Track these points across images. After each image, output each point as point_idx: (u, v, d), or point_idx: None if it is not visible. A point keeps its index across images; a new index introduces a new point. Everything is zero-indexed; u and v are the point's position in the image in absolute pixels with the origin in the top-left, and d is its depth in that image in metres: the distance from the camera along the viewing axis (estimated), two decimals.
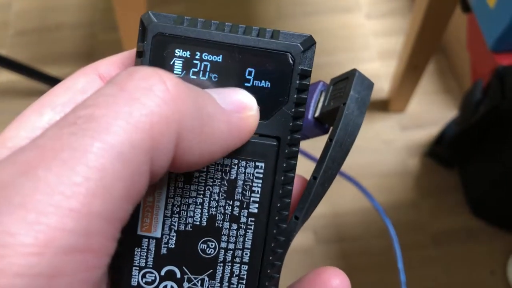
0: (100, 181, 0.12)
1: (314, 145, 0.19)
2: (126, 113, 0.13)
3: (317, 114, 0.21)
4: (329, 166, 0.18)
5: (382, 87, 0.94)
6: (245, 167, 0.18)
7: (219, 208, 0.18)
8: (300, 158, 0.19)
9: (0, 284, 0.11)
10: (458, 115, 0.80)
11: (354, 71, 0.20)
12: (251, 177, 0.18)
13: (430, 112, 0.92)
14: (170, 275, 0.18)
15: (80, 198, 0.12)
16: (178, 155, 0.14)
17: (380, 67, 0.97)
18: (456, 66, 0.94)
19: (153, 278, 0.18)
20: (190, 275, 0.18)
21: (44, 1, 1.07)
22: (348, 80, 0.20)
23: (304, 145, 0.20)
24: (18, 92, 0.94)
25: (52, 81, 0.86)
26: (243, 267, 0.18)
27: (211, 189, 0.18)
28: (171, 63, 0.17)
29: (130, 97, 0.13)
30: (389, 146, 0.89)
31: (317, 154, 0.20)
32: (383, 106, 0.92)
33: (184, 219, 0.18)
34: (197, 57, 0.17)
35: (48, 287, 0.11)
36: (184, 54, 0.17)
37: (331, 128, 0.19)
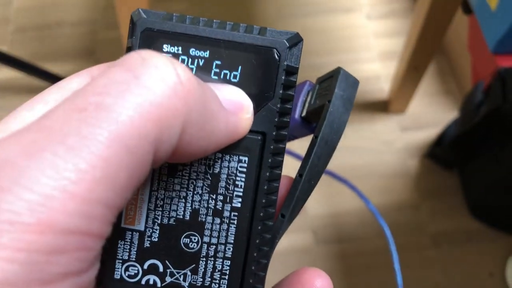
0: (105, 170, 0.12)
1: (303, 145, 0.19)
2: (137, 104, 0.13)
3: (304, 114, 0.21)
4: (315, 163, 0.18)
5: (383, 88, 0.94)
6: (229, 161, 0.18)
7: (202, 202, 0.18)
8: (290, 159, 0.19)
9: (1, 256, 0.11)
10: (458, 117, 0.80)
11: (338, 69, 0.20)
12: (234, 171, 0.18)
13: (430, 113, 0.92)
14: (153, 269, 0.18)
15: (85, 184, 0.12)
16: (177, 147, 0.14)
17: (380, 67, 0.97)
18: (457, 68, 0.94)
19: (136, 271, 0.18)
20: (172, 269, 0.18)
21: None
22: (333, 79, 0.20)
23: (293, 145, 0.20)
24: (19, 89, 0.94)
25: (53, 78, 0.86)
26: (226, 262, 0.18)
27: (194, 183, 0.18)
28: None
29: (142, 86, 0.13)
30: (389, 147, 0.89)
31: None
32: (384, 106, 0.92)
33: (168, 212, 0.18)
34: (184, 52, 0.17)
35: (46, 263, 0.12)
36: (172, 49, 0.17)
37: None
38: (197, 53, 0.17)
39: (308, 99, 0.21)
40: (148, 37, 0.17)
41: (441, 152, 0.83)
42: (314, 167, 0.18)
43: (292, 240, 0.79)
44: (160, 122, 0.13)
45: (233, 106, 0.16)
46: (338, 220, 0.81)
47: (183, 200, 0.18)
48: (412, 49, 0.77)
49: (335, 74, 0.20)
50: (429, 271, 0.77)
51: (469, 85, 0.84)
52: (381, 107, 0.92)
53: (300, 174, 0.18)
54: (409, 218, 0.82)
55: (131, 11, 0.19)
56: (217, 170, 0.18)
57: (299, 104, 0.21)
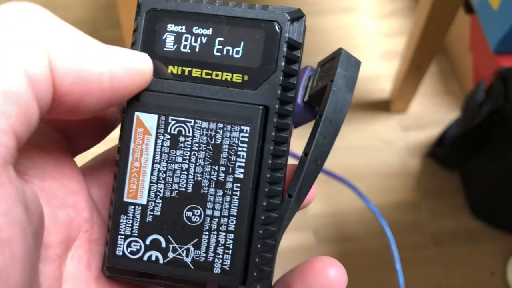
0: None
1: (303, 144, 0.19)
2: None
3: (306, 98, 0.21)
4: (320, 143, 0.18)
5: (384, 87, 0.94)
6: (230, 131, 0.18)
7: (204, 173, 0.18)
8: (290, 160, 0.19)
9: None
10: (460, 116, 0.80)
11: (340, 50, 0.20)
12: (236, 141, 0.18)
13: (431, 113, 0.92)
14: (155, 244, 0.18)
15: None
16: (56, 80, 0.15)
17: (382, 67, 0.97)
18: (459, 67, 0.94)
19: (138, 247, 0.18)
20: (175, 245, 0.18)
21: None
22: (334, 60, 0.20)
23: (293, 147, 0.19)
24: None
25: None
26: (229, 235, 0.18)
27: (196, 154, 0.18)
28: (164, 37, 0.18)
29: None
30: (390, 146, 0.88)
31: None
32: (385, 106, 0.92)
33: (170, 185, 0.18)
34: (188, 30, 0.18)
35: None
36: (176, 28, 0.18)
37: None
38: (200, 31, 0.18)
39: (310, 83, 0.21)
40: (153, 17, 0.18)
41: (442, 152, 0.83)
42: (320, 146, 0.18)
43: (292, 239, 0.79)
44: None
45: (115, 49, 0.16)
46: (339, 219, 0.81)
47: (185, 172, 0.18)
48: (413, 49, 0.77)
49: (337, 55, 0.20)
50: (429, 270, 0.77)
51: (470, 85, 0.84)
52: (382, 106, 0.92)
53: (305, 153, 0.18)
54: (410, 217, 0.82)
55: (132, 10, 0.19)
56: (218, 141, 0.18)
57: (301, 89, 0.20)
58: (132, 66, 0.17)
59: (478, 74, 0.73)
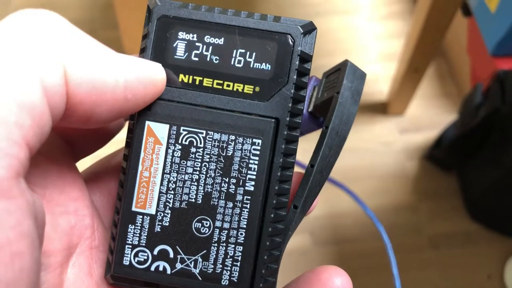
0: None
1: (307, 148, 0.19)
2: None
3: (310, 109, 0.21)
4: (326, 154, 0.18)
5: (382, 89, 0.94)
6: (242, 144, 0.18)
7: (215, 185, 0.18)
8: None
9: None
10: (457, 119, 0.80)
11: (346, 62, 0.20)
12: (248, 154, 0.18)
13: (429, 115, 0.92)
14: (163, 255, 0.18)
15: None
16: (70, 91, 0.14)
17: (380, 69, 0.97)
18: (456, 70, 0.94)
19: (146, 257, 0.18)
20: (183, 255, 0.18)
21: None
22: (340, 71, 0.20)
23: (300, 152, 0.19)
24: None
25: None
26: (238, 248, 0.18)
27: (207, 166, 0.18)
28: (174, 45, 0.18)
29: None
30: (387, 148, 0.88)
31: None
32: (383, 108, 0.92)
33: (180, 196, 0.18)
34: (199, 39, 0.18)
35: None
36: (187, 36, 0.18)
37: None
38: (212, 40, 0.18)
39: (315, 94, 0.21)
40: (164, 24, 0.18)
41: (440, 154, 0.83)
42: (326, 157, 0.18)
43: (289, 241, 0.79)
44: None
45: (129, 58, 0.16)
46: (336, 222, 0.81)
47: (196, 183, 0.18)
48: (411, 51, 0.77)
49: (343, 67, 0.20)
50: (427, 273, 0.77)
51: (468, 87, 0.84)
52: (380, 109, 0.92)
53: (311, 164, 0.18)
54: (408, 219, 0.82)
55: (130, 11, 0.19)
56: (230, 153, 0.18)
57: (306, 99, 0.20)
58: (145, 76, 0.16)
59: (476, 77, 0.74)
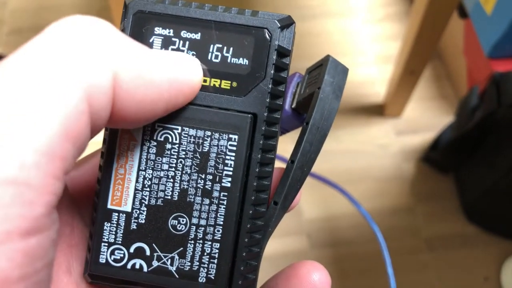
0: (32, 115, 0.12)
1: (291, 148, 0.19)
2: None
3: (294, 105, 0.21)
4: (307, 150, 0.18)
5: (378, 91, 0.94)
6: (218, 139, 0.17)
7: (191, 182, 0.17)
8: (279, 163, 0.19)
9: None
10: (454, 121, 0.80)
11: (327, 57, 0.20)
12: (224, 150, 0.17)
13: (425, 118, 0.92)
14: (139, 253, 0.18)
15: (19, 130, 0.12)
16: (117, 96, 0.14)
17: (376, 72, 0.97)
18: (453, 72, 0.95)
19: (122, 255, 0.18)
20: (160, 253, 0.18)
21: (40, 0, 1.06)
22: (322, 67, 0.20)
23: (283, 150, 0.19)
24: None
25: None
26: (215, 245, 0.17)
27: (183, 162, 0.17)
28: (151, 40, 0.18)
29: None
30: (384, 150, 0.88)
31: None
32: (379, 110, 0.92)
33: (155, 193, 0.18)
34: (175, 34, 0.17)
35: None
36: (163, 31, 0.17)
37: None
38: (189, 35, 0.17)
39: (298, 90, 0.21)
40: (140, 19, 0.17)
41: (437, 156, 0.83)
42: (306, 153, 0.18)
43: (286, 243, 0.78)
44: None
45: (173, 57, 0.16)
46: (332, 224, 0.81)
47: (171, 180, 0.17)
48: (407, 53, 0.77)
49: (324, 62, 0.19)
50: (423, 275, 0.77)
51: (464, 90, 0.84)
52: (376, 111, 0.92)
53: (291, 160, 0.18)
54: (404, 222, 0.82)
55: None
56: (206, 149, 0.17)
57: (289, 95, 0.20)
58: (184, 78, 0.16)
59: (472, 79, 0.74)
